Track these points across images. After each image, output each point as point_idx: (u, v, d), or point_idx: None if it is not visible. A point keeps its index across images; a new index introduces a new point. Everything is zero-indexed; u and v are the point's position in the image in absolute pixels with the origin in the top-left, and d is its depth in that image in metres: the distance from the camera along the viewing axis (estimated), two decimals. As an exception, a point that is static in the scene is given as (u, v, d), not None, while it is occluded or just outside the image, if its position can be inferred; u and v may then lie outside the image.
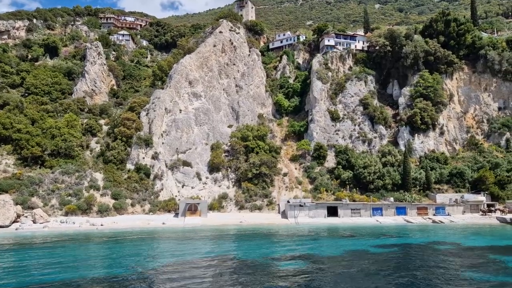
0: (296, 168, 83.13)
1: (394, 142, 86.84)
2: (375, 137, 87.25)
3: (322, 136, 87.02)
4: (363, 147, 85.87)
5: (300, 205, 66.58)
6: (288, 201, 68.96)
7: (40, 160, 67.78)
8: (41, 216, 54.97)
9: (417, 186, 76.36)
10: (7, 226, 51.37)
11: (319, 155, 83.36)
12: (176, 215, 65.91)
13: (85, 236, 47.11)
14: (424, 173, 76.87)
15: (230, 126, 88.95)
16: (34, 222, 54.12)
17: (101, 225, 55.69)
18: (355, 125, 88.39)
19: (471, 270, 25.31)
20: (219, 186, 76.85)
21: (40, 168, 66.71)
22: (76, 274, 26.42)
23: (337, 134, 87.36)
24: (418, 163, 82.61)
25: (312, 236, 48.47)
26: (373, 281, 23.08)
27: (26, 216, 54.96)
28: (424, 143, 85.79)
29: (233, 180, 78.30)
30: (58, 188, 63.33)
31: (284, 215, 68.00)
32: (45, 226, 52.95)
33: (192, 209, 65.66)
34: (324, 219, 65.74)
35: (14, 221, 53.38)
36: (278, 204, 72.66)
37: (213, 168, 78.93)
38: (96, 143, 77.29)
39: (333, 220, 64.63)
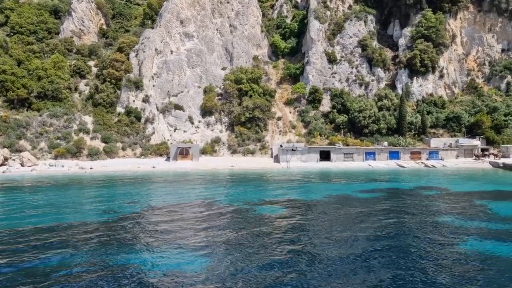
0: (290, 112, 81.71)
1: (392, 86, 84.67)
2: (372, 80, 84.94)
3: (318, 79, 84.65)
4: (360, 90, 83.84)
5: (293, 150, 65.99)
6: (281, 146, 68.29)
7: (27, 102, 66.24)
8: (29, 159, 54.48)
9: (412, 131, 75.41)
10: (-6, 169, 51.05)
11: (314, 99, 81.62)
12: (168, 159, 65.54)
13: (74, 179, 46.78)
14: (420, 117, 75.61)
15: (224, 69, 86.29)
16: (22, 165, 53.72)
17: (91, 168, 55.36)
18: (352, 67, 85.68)
19: (453, 215, 24.80)
20: (212, 130, 75.91)
21: (27, 110, 65.33)
22: (68, 216, 26.17)
23: (333, 77, 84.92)
24: (415, 107, 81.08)
25: (303, 180, 48.17)
26: (358, 224, 22.66)
27: (14, 159, 54.49)
28: (422, 87, 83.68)
29: (226, 124, 77.18)
30: (46, 131, 62.40)
31: (276, 159, 67.63)
32: (33, 169, 52.60)
33: (183, 153, 65.13)
34: (317, 163, 65.43)
35: (2, 164, 52.94)
36: (271, 149, 72.11)
37: (205, 111, 77.52)
38: (85, 85, 75.25)
39: (325, 165, 64.30)
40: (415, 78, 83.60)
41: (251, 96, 78.35)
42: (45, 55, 79.00)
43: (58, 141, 62.17)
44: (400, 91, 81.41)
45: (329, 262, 16.24)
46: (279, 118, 79.18)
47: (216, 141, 73.70)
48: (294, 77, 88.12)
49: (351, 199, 33.22)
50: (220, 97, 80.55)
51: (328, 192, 37.31)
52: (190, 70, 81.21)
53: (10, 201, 31.80)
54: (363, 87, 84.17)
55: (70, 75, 74.95)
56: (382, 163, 64.88)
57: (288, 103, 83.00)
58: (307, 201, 32.12)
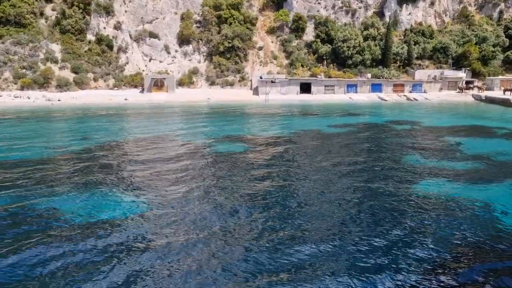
0: (272, 42, 77.88)
1: (380, 14, 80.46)
2: (360, 8, 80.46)
3: (302, 6, 79.80)
4: (346, 18, 79.62)
5: (272, 81, 63.69)
6: (261, 77, 65.82)
7: (-13, 29, 61.58)
8: (-8, 91, 51.66)
9: (398, 62, 72.85)
10: (-48, 101, 48.41)
11: (297, 27, 77.47)
12: (142, 90, 63.02)
13: (39, 112, 44.56)
14: (406, 48, 72.74)
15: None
16: (-16, 96, 51.09)
17: (58, 100, 52.93)
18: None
19: (420, 153, 23.73)
20: (190, 60, 72.50)
21: (-12, 38, 60.93)
22: (36, 150, 24.54)
23: (318, 3, 80.00)
24: (402, 37, 77.75)
25: (280, 114, 46.63)
26: (327, 158, 21.64)
27: (-25, 91, 51.64)
28: (411, 15, 79.71)
29: (204, 54, 73.57)
30: (10, 60, 58.76)
31: (256, 91, 65.49)
32: (-4, 101, 50.13)
33: (158, 84, 62.54)
34: (296, 96, 63.54)
35: (-38, 96, 50.22)
36: (251, 80, 69.60)
37: (183, 40, 73.41)
38: (52, 10, 69.75)
39: (305, 97, 62.48)
40: (404, 5, 79.26)
41: (231, 24, 73.96)
42: (6, -25, 72.31)
43: (24, 70, 58.82)
44: (388, 20, 77.50)
45: (302, 200, 15.37)
46: (260, 48, 75.62)
47: (194, 72, 70.69)
48: (277, 4, 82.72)
49: (321, 134, 31.98)
50: (198, 25, 75.96)
51: (302, 126, 36.01)
52: (166, -5, 75.60)
53: None
54: (349, 15, 79.84)
55: (34, -1, 69.26)
56: (363, 96, 63.22)
57: (270, 31, 78.79)
58: (280, 136, 30.79)
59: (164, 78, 63.35)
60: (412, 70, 71.69)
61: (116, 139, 28.88)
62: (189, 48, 73.11)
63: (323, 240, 11.81)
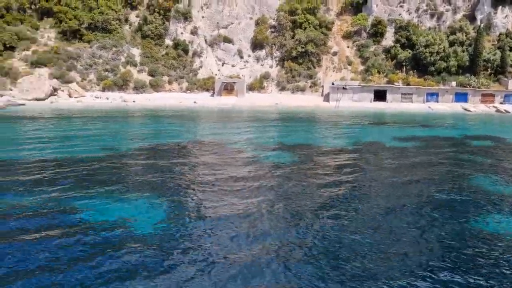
0: (348, 47, 74.83)
1: (471, 17, 73.57)
2: (447, 10, 74.30)
3: (382, 9, 75.74)
4: (431, 22, 74.02)
5: (344, 88, 60.95)
6: (333, 83, 63.37)
7: (78, 34, 66.75)
8: (76, 91, 55.71)
9: (488, 70, 65.79)
10: (43, 99, 52.86)
11: (376, 32, 73.57)
12: (213, 94, 63.96)
13: (114, 112, 47.05)
14: (499, 54, 65.43)
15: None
16: (70, 96, 55.16)
17: (133, 101, 55.53)
18: (424, -5, 75.15)
19: (500, 176, 20.28)
20: (262, 65, 72.27)
21: (78, 42, 66.01)
22: (116, 143, 26.94)
23: (401, 6, 75.42)
24: (495, 43, 70.16)
25: (348, 122, 44.09)
26: (394, 175, 19.48)
27: (63, 90, 55.99)
28: (508, 18, 71.73)
29: (277, 58, 72.88)
30: (95, 63, 63.07)
31: (326, 98, 63.20)
32: (79, 100, 53.85)
33: (228, 88, 63.03)
34: (369, 103, 60.07)
35: (51, 95, 54.65)
36: (322, 86, 67.35)
37: (256, 45, 73.47)
38: (136, 16, 73.95)
39: (379, 105, 58.83)
40: (500, 7, 71.60)
41: (305, 28, 72.44)
42: (99, -15, 78.18)
43: (106, 73, 62.77)
44: (479, 23, 70.48)
45: (371, 218, 13.72)
46: (334, 53, 73.06)
47: (265, 76, 70.29)
48: (356, 7, 79.53)
49: (392, 146, 29.16)
50: (273, 30, 75.53)
51: (371, 137, 33.43)
52: (243, 0, 76.34)
53: (63, 130, 32.22)
54: (434, 18, 74.11)
55: (122, 6, 73.89)
56: (444, 106, 57.90)
57: (347, 36, 75.80)
58: (345, 146, 28.64)
59: (235, 82, 63.72)
60: (506, 79, 64.26)
61: (177, 141, 28.91)
62: (262, 53, 72.94)
63: (393, 278, 9.84)
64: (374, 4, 75.81)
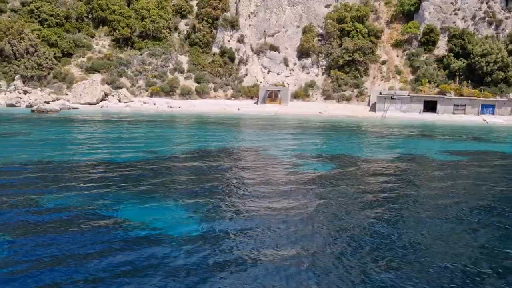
0: (398, 56, 72.42)
1: (534, 24, 68.90)
2: (506, 18, 70.05)
3: (435, 17, 72.69)
4: (488, 30, 70.03)
5: (392, 98, 58.85)
6: (380, 93, 61.43)
7: (130, 41, 69.53)
8: (125, 96, 57.81)
9: (554, 81, 61.14)
10: (94, 104, 55.40)
11: (428, 40, 70.66)
12: (257, 101, 64.08)
13: (159, 117, 48.42)
14: None
15: (327, 6, 78.98)
16: (119, 101, 57.35)
17: (179, 107, 56.74)
18: (481, 2, 71.33)
19: None
20: (307, 74, 71.61)
21: (130, 49, 68.67)
22: (158, 147, 27.59)
23: (455, 14, 72.06)
24: (562, 52, 65.15)
25: (395, 134, 42.44)
26: (439, 193, 18.38)
27: (113, 95, 58.33)
28: None
29: (323, 67, 71.93)
30: (145, 70, 65.28)
31: (373, 108, 61.35)
32: (127, 105, 55.84)
33: (272, 96, 62.90)
34: (418, 114, 57.57)
35: (102, 99, 57.10)
36: (369, 96, 65.49)
37: (302, 53, 72.98)
38: (185, 25, 75.95)
39: (428, 116, 56.26)
40: None
41: (353, 36, 71.01)
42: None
43: (155, 79, 64.73)
44: (543, 31, 65.89)
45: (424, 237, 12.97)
46: (383, 62, 70.96)
47: (311, 85, 69.55)
48: (407, 15, 76.92)
49: (441, 161, 27.57)
50: (320, 38, 74.78)
51: (418, 149, 31.90)
52: (290, 8, 76.24)
53: (113, 133, 33.67)
54: (492, 27, 70.10)
55: (172, 15, 76.14)
56: (501, 119, 54.31)
57: (397, 45, 73.39)
58: (389, 159, 27.43)
59: (279, 90, 63.53)
60: None
61: (217, 147, 29.09)
62: (307, 61, 72.32)
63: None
64: (427, 11, 72.98)
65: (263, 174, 20.79)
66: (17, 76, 59.32)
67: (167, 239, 11.78)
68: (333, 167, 23.43)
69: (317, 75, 71.24)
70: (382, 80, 68.98)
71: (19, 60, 60.98)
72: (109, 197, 15.65)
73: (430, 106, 59.03)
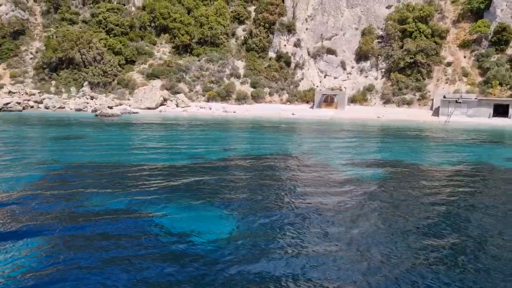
0: (465, 57, 67.90)
1: None
2: None
3: (509, 14, 67.27)
4: None
5: (457, 101, 55.18)
6: (445, 96, 57.90)
7: (189, 48, 71.66)
8: (183, 101, 59.55)
9: None
10: (154, 108, 57.70)
11: (499, 40, 65.54)
12: (313, 106, 63.15)
13: (213, 121, 49.22)
14: None
15: (388, 7, 76.20)
16: (177, 106, 59.24)
17: (234, 112, 57.37)
18: None
19: None
20: (366, 77, 69.37)
21: (188, 56, 70.75)
22: (210, 151, 28.21)
23: (532, 10, 66.19)
24: None
25: (460, 139, 39.60)
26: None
27: (171, 100, 60.36)
28: None
29: (382, 70, 69.31)
30: (202, 75, 66.92)
31: (436, 112, 57.98)
32: (184, 110, 57.52)
33: (328, 100, 61.62)
34: (487, 119, 53.42)
35: (161, 104, 59.30)
36: (432, 99, 61.98)
37: (360, 56, 70.88)
38: (243, 30, 76.97)
39: (499, 121, 51.98)
40: None
41: (415, 37, 67.72)
42: (211, 1, 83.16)
43: (212, 84, 66.11)
44: None
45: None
46: (448, 64, 66.86)
47: (369, 89, 67.25)
48: (476, 14, 71.96)
49: (501, 170, 25.23)
50: (380, 40, 72.22)
51: (482, 157, 29.43)
52: (349, 11, 74.50)
53: (169, 135, 35.02)
54: None
55: (230, 21, 77.50)
56: None
57: (464, 45, 68.84)
58: (449, 166, 25.54)
59: (335, 95, 62.08)
60: None
61: (268, 152, 28.75)
62: (366, 64, 70.10)
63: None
64: (499, 8, 67.78)
65: (317, 183, 20.03)
66: (86, 83, 63.42)
67: (222, 247, 11.55)
68: (391, 174, 22.11)
69: (376, 78, 68.79)
70: (446, 82, 65.00)
71: (88, 68, 65.20)
72: (163, 200, 15.79)
73: (501, 110, 54.56)
